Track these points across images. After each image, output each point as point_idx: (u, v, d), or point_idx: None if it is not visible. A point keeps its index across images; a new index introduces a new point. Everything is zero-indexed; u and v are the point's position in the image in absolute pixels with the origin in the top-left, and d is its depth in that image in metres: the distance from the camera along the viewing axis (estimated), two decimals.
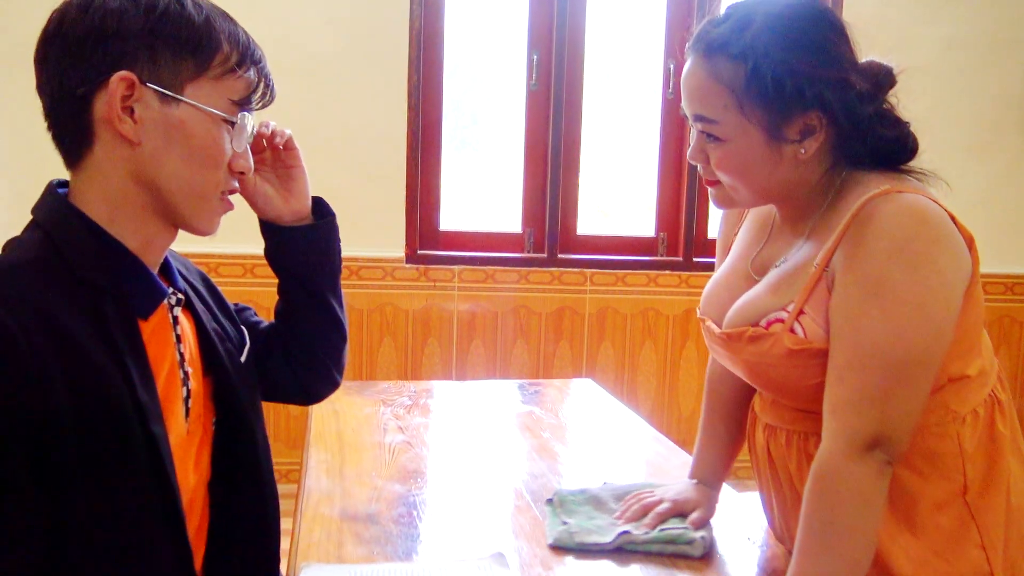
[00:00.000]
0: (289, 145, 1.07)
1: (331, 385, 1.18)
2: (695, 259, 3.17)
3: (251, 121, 0.94)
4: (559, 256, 3.11)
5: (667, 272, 3.15)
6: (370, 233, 2.92)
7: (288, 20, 2.78)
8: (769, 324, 1.04)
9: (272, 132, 1.05)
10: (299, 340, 1.13)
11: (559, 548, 1.16)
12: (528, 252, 3.14)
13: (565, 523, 1.21)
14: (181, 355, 0.94)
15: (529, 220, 3.15)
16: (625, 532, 1.17)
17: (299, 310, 1.11)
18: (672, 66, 3.13)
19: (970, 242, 1.00)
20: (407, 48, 2.91)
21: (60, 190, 0.90)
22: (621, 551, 1.16)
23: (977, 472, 1.04)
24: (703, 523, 1.22)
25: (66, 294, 0.82)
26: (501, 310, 3.07)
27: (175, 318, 0.94)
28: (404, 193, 2.97)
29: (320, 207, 1.11)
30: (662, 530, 1.18)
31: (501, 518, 1.27)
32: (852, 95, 1.00)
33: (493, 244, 3.14)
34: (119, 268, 0.87)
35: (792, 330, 1.02)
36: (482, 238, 3.14)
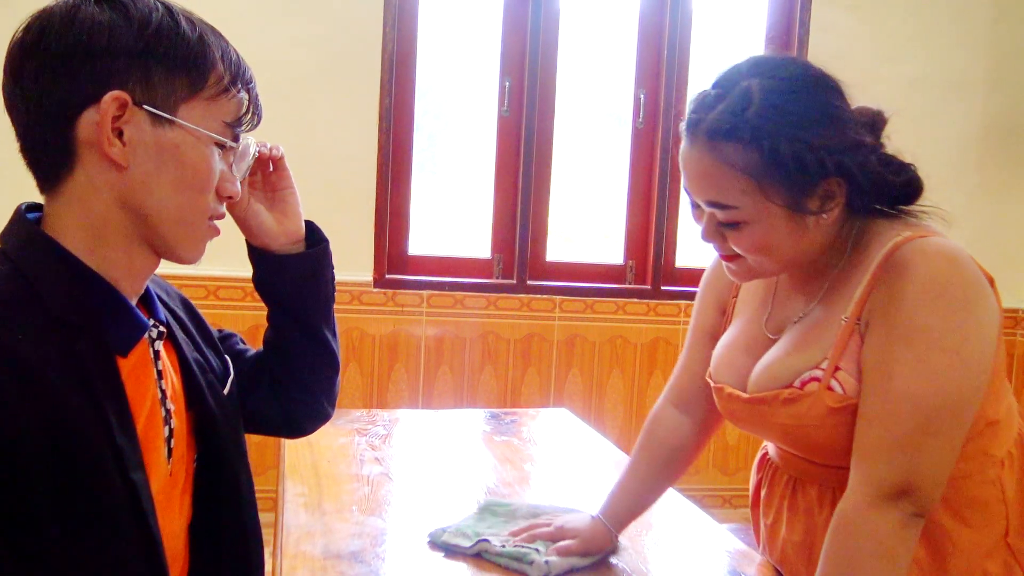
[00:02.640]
0: (280, 165, 1.02)
1: (322, 418, 1.13)
2: (663, 287, 3.19)
3: (253, 145, 0.91)
4: (528, 282, 3.10)
5: (635, 300, 3.16)
6: (338, 256, 2.82)
7: (259, 39, 2.74)
8: (804, 384, 1.01)
9: (271, 149, 1.00)
10: (290, 371, 1.08)
11: (432, 544, 1.23)
12: (497, 278, 3.12)
13: (455, 525, 1.25)
14: (163, 392, 0.89)
15: (498, 246, 3.14)
16: (484, 540, 1.20)
17: (290, 340, 1.06)
18: (643, 96, 3.16)
19: (991, 284, 0.99)
20: (379, 71, 2.89)
21: (31, 215, 0.83)
22: (479, 557, 1.20)
23: (1016, 513, 1.02)
24: (567, 552, 1.17)
25: (37, 334, 0.75)
26: (469, 336, 3.04)
27: (156, 352, 0.89)
28: (373, 217, 2.94)
29: (312, 232, 1.07)
30: (516, 546, 1.19)
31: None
32: (865, 152, 0.99)
33: (462, 269, 3.12)
34: (96, 304, 0.81)
35: (830, 387, 0.99)
36: (451, 263, 3.12)
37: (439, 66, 3.12)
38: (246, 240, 1.04)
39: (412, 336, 2.99)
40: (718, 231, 1.02)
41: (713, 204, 1.00)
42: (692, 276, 3.26)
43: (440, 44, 3.09)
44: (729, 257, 1.05)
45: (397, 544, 1.25)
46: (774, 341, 1.09)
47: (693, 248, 3.29)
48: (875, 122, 1.04)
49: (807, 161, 0.95)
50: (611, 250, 3.27)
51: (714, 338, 1.23)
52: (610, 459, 1.76)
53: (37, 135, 0.80)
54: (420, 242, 3.12)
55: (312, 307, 1.06)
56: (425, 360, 3.02)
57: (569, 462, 1.76)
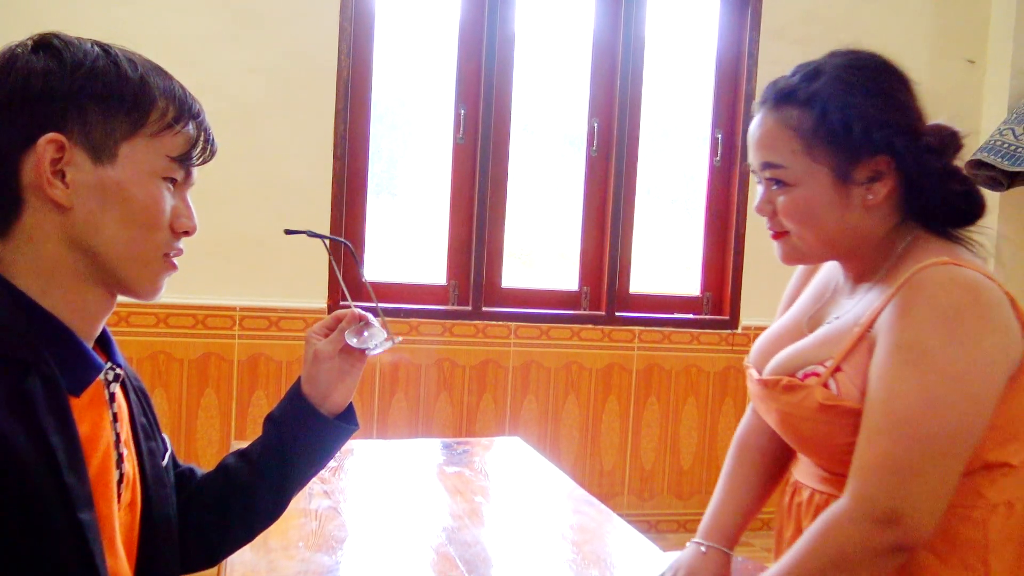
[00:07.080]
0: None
1: (226, 555, 1.12)
2: (617, 313, 3.22)
3: (390, 340, 1.02)
4: (483, 309, 3.11)
5: (590, 326, 3.18)
6: (292, 283, 2.85)
7: (211, 67, 2.72)
8: (805, 376, 1.04)
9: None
10: (239, 505, 1.06)
11: None
12: (452, 304, 3.12)
13: None
14: (117, 435, 0.88)
15: (454, 272, 3.14)
16: None
17: (262, 483, 1.06)
18: (596, 124, 3.20)
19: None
20: (334, 98, 2.89)
21: None
22: None
23: (1004, 566, 1.00)
24: None
25: None
26: (424, 363, 3.03)
27: (112, 395, 0.89)
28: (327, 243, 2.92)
29: (348, 411, 1.11)
30: None
31: None
32: (921, 144, 1.02)
33: (417, 296, 3.11)
34: (48, 343, 0.81)
35: (826, 385, 1.01)
36: (406, 290, 3.11)
37: (394, 93, 3.13)
38: (300, 382, 1.08)
39: (367, 363, 2.97)
40: (770, 200, 1.07)
41: (766, 165, 1.06)
42: (646, 302, 3.29)
43: (395, 71, 3.10)
44: (777, 235, 1.09)
45: None
46: (806, 335, 1.11)
47: (647, 274, 3.33)
48: (946, 136, 1.06)
49: (854, 127, 1.01)
50: (566, 276, 3.30)
51: None
52: (561, 491, 1.77)
53: None
54: (375, 268, 3.11)
55: (308, 468, 1.09)
56: (380, 387, 3.00)
57: (520, 494, 1.76)
